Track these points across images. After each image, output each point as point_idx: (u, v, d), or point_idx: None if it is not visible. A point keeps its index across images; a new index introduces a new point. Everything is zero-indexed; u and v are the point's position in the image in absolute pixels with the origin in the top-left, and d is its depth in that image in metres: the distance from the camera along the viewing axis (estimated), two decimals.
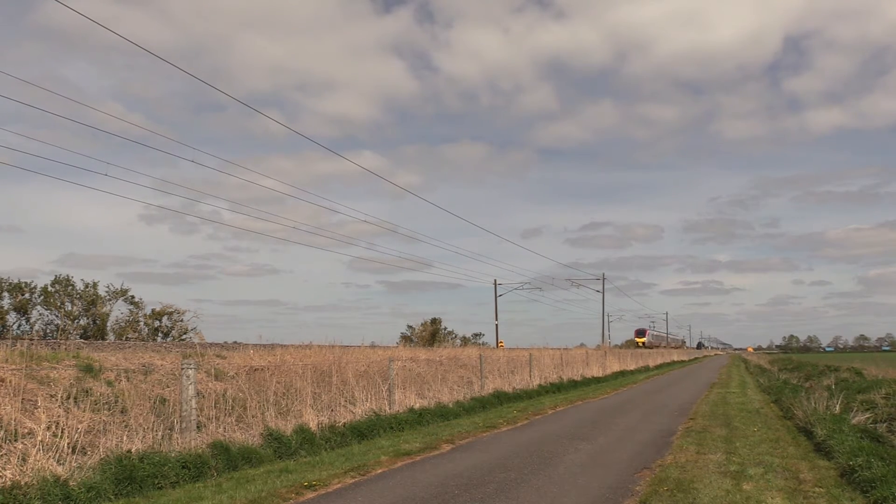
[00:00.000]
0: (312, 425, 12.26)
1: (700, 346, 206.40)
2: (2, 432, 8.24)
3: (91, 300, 35.09)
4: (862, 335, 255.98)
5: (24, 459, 7.98)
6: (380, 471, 9.89)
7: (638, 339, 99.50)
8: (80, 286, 35.27)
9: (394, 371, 16.32)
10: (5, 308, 33.61)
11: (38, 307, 34.57)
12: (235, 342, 21.19)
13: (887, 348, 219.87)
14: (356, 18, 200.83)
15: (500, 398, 20.57)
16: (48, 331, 33.56)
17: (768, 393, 24.78)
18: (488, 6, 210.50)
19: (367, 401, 14.95)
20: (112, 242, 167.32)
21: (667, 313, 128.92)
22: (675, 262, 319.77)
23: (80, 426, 8.89)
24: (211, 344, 19.12)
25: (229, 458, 9.96)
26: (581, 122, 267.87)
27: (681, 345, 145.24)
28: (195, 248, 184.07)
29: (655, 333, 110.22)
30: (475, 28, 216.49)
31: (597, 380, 33.12)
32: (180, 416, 10.27)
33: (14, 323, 33.79)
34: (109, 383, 10.65)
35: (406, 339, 60.04)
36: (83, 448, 8.81)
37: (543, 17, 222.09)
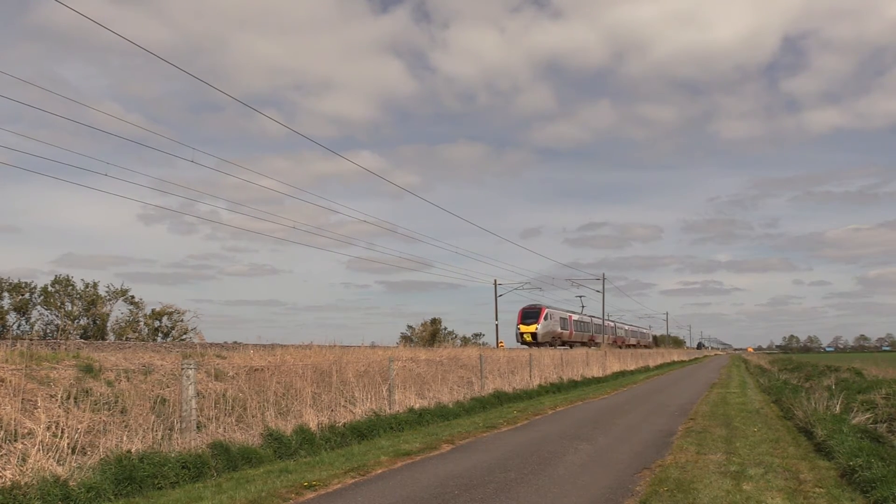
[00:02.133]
0: (312, 425, 12.25)
1: (700, 346, 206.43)
2: (2, 432, 8.24)
3: (91, 300, 35.13)
4: (862, 335, 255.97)
5: (23, 459, 7.98)
6: (380, 471, 9.89)
7: (523, 328, 51.98)
8: (80, 286, 35.33)
9: (394, 371, 16.32)
10: (5, 308, 33.67)
11: (38, 307, 34.64)
12: (235, 342, 21.15)
13: (887, 348, 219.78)
14: (353, 18, 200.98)
15: (500, 398, 20.57)
16: (48, 331, 33.62)
17: (768, 393, 24.79)
18: (485, 6, 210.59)
19: (367, 401, 14.94)
20: (111, 242, 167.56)
21: (667, 313, 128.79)
22: (674, 262, 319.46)
23: (79, 426, 8.89)
24: (211, 344, 19.08)
25: (229, 459, 9.96)
26: (579, 122, 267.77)
27: (650, 342, 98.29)
28: (194, 248, 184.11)
29: (577, 319, 62.56)
30: (472, 28, 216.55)
31: (597, 380, 33.12)
32: (180, 417, 10.28)
33: (14, 323, 33.86)
34: (109, 383, 10.64)
35: (406, 339, 60.17)
36: (83, 448, 8.80)
37: (540, 16, 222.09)
